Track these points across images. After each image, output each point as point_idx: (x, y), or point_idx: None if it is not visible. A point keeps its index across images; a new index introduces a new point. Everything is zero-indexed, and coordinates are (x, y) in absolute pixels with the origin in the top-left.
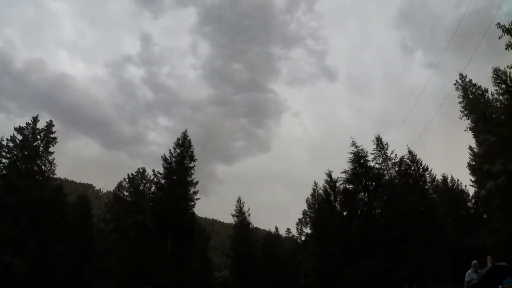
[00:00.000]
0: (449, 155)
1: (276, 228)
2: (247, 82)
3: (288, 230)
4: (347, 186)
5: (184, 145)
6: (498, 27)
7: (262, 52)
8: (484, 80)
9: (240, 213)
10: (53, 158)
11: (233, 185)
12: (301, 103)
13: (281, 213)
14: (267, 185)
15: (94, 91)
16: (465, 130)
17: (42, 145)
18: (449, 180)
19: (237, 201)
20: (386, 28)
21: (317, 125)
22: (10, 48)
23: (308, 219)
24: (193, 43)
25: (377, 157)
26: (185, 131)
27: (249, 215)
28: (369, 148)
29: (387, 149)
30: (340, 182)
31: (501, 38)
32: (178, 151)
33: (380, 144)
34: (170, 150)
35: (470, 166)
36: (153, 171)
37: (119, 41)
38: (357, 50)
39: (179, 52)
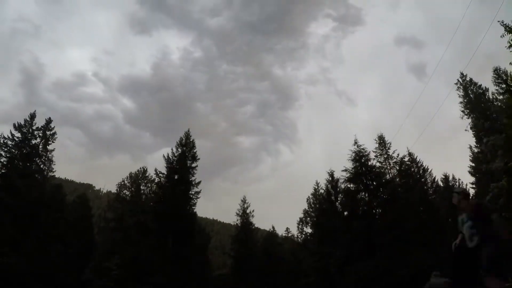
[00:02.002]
0: (450, 154)
1: (273, 227)
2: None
3: (288, 229)
4: (348, 186)
5: (186, 144)
6: (501, 25)
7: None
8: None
9: (244, 214)
10: (52, 156)
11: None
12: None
13: (281, 213)
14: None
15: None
16: (466, 130)
17: (41, 143)
18: (450, 179)
19: (242, 201)
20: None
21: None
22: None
23: (308, 219)
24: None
25: (379, 156)
26: (188, 130)
27: (253, 216)
28: (371, 147)
29: (389, 148)
30: (341, 181)
31: (504, 36)
32: (180, 150)
33: (382, 143)
34: (172, 149)
35: (470, 166)
36: (155, 170)
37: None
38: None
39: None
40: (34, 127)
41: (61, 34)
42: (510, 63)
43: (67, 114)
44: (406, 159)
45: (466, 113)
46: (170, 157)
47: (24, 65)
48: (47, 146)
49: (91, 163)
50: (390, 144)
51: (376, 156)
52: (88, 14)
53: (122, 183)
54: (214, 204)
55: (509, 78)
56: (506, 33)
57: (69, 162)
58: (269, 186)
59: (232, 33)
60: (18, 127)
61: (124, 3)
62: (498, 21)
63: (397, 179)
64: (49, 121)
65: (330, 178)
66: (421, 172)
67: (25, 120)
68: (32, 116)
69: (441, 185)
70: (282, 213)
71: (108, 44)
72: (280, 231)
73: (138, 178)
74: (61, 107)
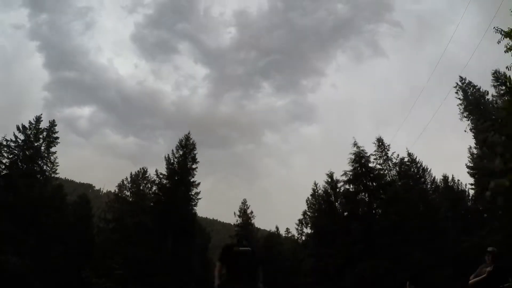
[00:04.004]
0: (449, 154)
1: (277, 228)
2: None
3: (288, 230)
4: (348, 187)
5: (187, 146)
6: (496, 31)
7: None
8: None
9: (244, 215)
10: (55, 158)
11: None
12: None
13: (280, 212)
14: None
15: None
16: (465, 131)
17: (44, 145)
18: (449, 179)
19: (242, 203)
20: None
21: None
22: None
23: (308, 219)
24: None
25: (378, 158)
26: (188, 133)
27: (254, 216)
28: (370, 149)
29: (388, 150)
30: (341, 183)
31: (500, 42)
32: (181, 152)
33: (381, 145)
34: (172, 151)
35: (469, 167)
36: (156, 171)
37: None
38: None
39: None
40: (37, 131)
41: None
42: (506, 67)
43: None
44: (406, 159)
45: (465, 115)
46: (171, 158)
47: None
48: (50, 148)
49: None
50: (389, 146)
51: (375, 158)
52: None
53: (122, 183)
54: (214, 204)
55: (508, 81)
56: (502, 37)
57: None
58: (271, 186)
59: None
60: (22, 129)
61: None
62: (494, 27)
63: (397, 180)
64: (53, 123)
65: (329, 180)
66: (420, 172)
67: (30, 123)
68: (38, 119)
69: (441, 185)
70: (283, 213)
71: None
72: (282, 231)
73: (138, 178)
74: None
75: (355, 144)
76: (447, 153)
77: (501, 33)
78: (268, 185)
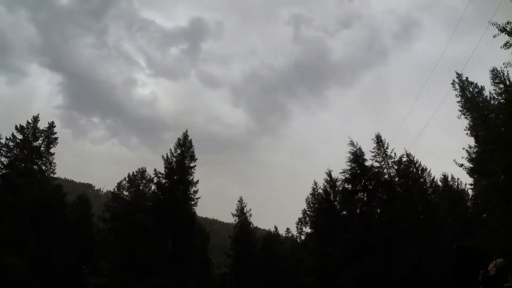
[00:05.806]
0: (448, 154)
1: (276, 228)
2: None
3: (288, 229)
4: (346, 186)
5: (185, 145)
6: (492, 25)
7: None
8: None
9: (241, 213)
10: (53, 158)
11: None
12: None
13: (280, 212)
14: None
15: None
16: (464, 130)
17: (43, 145)
18: (449, 179)
19: (238, 201)
20: None
21: None
22: None
23: (307, 219)
24: None
25: (377, 156)
26: (186, 131)
27: (251, 215)
28: (368, 147)
29: (387, 148)
30: (339, 182)
31: (496, 36)
32: (179, 151)
33: (380, 142)
34: (170, 149)
35: (467, 166)
36: (154, 170)
37: None
38: None
39: None
40: (35, 130)
41: None
42: (503, 63)
43: None
44: (404, 159)
45: (463, 112)
46: (169, 157)
47: None
48: (49, 150)
49: None
50: (388, 143)
51: (374, 156)
52: None
53: (121, 183)
54: (214, 204)
55: (507, 79)
56: (499, 32)
57: None
58: (272, 186)
59: None
60: (20, 129)
61: None
62: (490, 22)
63: (396, 179)
64: (52, 125)
65: (328, 178)
66: (420, 172)
67: (28, 122)
68: (35, 119)
69: (441, 185)
70: (284, 213)
71: None
72: (282, 231)
73: (136, 178)
74: None
75: (351, 143)
76: (448, 152)
77: (497, 28)
78: (269, 186)
